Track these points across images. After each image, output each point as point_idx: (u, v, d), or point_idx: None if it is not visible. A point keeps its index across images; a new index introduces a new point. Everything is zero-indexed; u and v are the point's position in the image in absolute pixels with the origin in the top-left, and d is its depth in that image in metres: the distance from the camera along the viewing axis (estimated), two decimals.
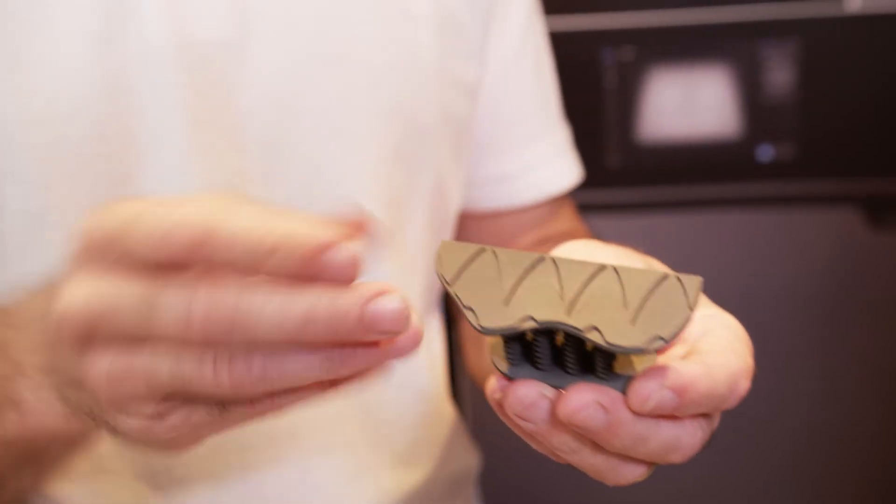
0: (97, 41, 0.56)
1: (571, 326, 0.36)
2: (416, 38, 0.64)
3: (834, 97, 1.22)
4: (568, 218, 0.78)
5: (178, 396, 0.37)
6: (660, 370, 0.36)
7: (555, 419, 0.37)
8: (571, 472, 0.45)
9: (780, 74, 1.21)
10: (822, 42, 1.20)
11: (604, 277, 0.38)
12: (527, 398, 0.37)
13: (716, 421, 0.41)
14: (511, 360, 0.38)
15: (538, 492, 1.32)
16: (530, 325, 0.36)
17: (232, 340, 0.34)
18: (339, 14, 0.62)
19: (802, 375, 1.30)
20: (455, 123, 0.68)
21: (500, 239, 0.75)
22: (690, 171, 1.25)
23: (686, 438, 0.38)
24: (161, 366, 0.35)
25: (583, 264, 0.38)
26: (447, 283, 0.38)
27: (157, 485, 0.62)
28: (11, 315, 0.45)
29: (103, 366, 0.36)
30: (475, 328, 0.37)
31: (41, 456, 0.49)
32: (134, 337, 0.35)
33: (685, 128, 1.23)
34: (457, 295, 0.37)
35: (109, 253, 0.36)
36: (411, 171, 0.66)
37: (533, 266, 0.38)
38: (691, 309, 0.36)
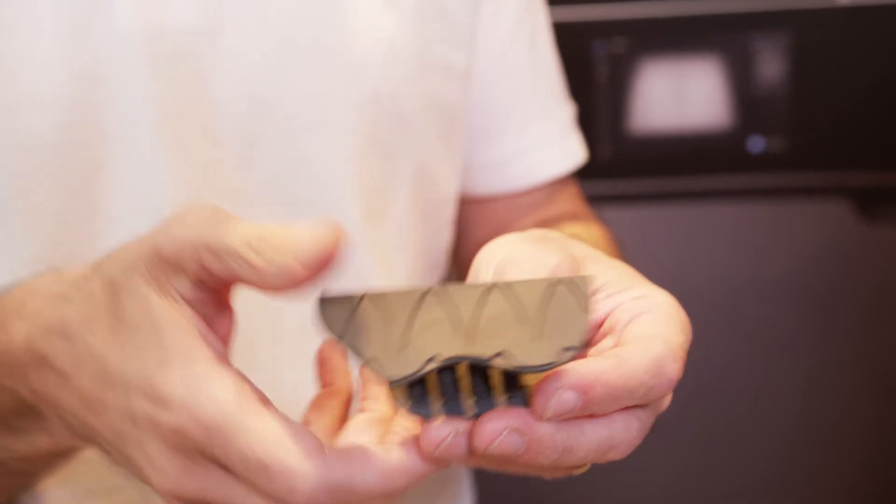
0: (70, 30, 0.56)
1: (476, 357, 0.35)
2: (395, 25, 0.64)
3: (825, 89, 1.22)
4: (568, 200, 0.77)
5: None
6: (559, 372, 0.35)
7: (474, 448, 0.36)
8: None
9: (772, 66, 1.21)
10: (813, 34, 1.20)
11: (494, 298, 0.36)
12: (442, 440, 0.35)
13: (665, 403, 0.39)
14: (414, 397, 0.37)
15: (533, 479, 1.32)
16: (435, 365, 0.35)
17: None
18: (315, 2, 0.62)
19: (793, 367, 1.30)
20: (443, 109, 0.68)
21: (499, 222, 0.75)
22: (682, 163, 1.24)
23: (621, 434, 0.37)
24: None
25: (468, 288, 0.37)
26: (337, 339, 0.36)
27: None
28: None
29: None
30: (384, 380, 0.35)
31: (66, 458, 0.49)
32: None
33: (676, 119, 1.23)
34: (353, 348, 0.36)
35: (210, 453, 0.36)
36: (391, 159, 0.66)
37: (419, 302, 0.37)
38: (586, 311, 0.35)
